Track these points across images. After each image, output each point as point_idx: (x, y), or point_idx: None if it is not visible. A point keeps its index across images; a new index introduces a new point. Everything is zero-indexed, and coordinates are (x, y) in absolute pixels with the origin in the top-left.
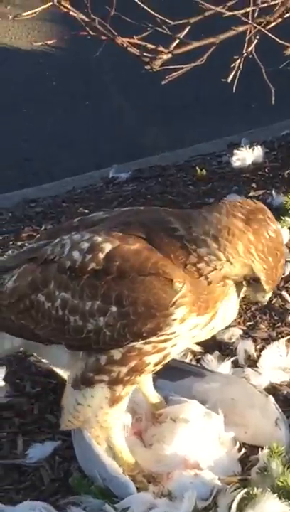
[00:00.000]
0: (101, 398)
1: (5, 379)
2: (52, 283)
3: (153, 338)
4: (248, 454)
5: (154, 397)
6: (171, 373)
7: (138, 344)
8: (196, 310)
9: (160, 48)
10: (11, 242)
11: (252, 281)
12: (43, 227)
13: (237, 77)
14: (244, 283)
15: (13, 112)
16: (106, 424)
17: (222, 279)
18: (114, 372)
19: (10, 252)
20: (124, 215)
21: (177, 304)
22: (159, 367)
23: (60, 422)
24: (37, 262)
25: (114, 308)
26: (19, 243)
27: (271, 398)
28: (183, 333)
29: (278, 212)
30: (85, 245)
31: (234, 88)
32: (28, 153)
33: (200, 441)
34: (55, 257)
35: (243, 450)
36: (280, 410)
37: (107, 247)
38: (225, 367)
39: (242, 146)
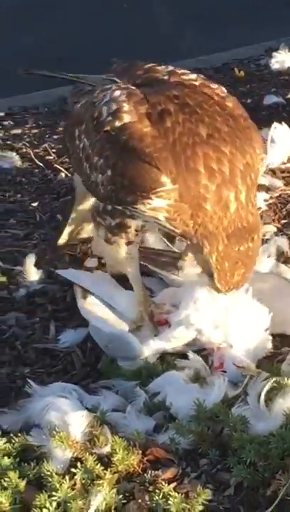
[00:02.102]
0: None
1: (38, 266)
2: (84, 125)
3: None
4: (280, 345)
5: None
6: None
7: (120, 208)
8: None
9: None
10: (47, 135)
11: (209, 275)
12: None
13: None
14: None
15: (47, 12)
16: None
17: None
18: (107, 220)
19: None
20: (178, 91)
21: (159, 194)
22: (139, 235)
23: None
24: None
25: (109, 172)
26: (55, 136)
27: None
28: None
29: None
30: (114, 107)
31: None
32: (63, 53)
33: (231, 320)
34: (96, 102)
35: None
36: None
37: (126, 118)
38: (258, 262)
39: (281, 50)
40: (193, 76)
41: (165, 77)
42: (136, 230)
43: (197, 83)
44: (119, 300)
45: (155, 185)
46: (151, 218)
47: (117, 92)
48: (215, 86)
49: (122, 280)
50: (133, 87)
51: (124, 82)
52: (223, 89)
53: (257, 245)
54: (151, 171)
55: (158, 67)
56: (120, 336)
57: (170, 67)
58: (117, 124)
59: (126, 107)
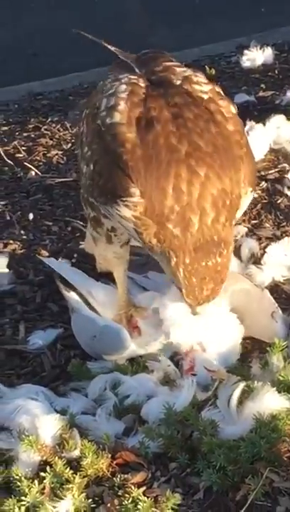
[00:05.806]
0: (89, 235)
1: (8, 266)
2: (88, 110)
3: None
4: (251, 348)
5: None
6: None
7: (95, 203)
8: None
9: None
10: (17, 133)
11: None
12: (49, 119)
13: None
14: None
15: (22, 7)
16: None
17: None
18: (88, 211)
19: None
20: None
21: (125, 203)
22: (117, 237)
23: None
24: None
25: (91, 167)
26: (25, 134)
27: (267, 292)
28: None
29: (287, 113)
30: (112, 102)
31: None
32: (36, 49)
33: (202, 328)
34: (104, 90)
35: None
36: (276, 304)
37: (117, 117)
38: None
39: (252, 47)
40: (206, 88)
41: (179, 82)
42: (108, 230)
43: (205, 97)
44: (96, 294)
45: (124, 193)
46: (121, 224)
47: (122, 87)
48: (224, 103)
49: (110, 278)
50: (142, 84)
51: (138, 76)
52: (232, 108)
53: (227, 260)
54: (123, 178)
55: (177, 69)
56: (113, 326)
57: (189, 71)
58: (108, 121)
59: (121, 105)
